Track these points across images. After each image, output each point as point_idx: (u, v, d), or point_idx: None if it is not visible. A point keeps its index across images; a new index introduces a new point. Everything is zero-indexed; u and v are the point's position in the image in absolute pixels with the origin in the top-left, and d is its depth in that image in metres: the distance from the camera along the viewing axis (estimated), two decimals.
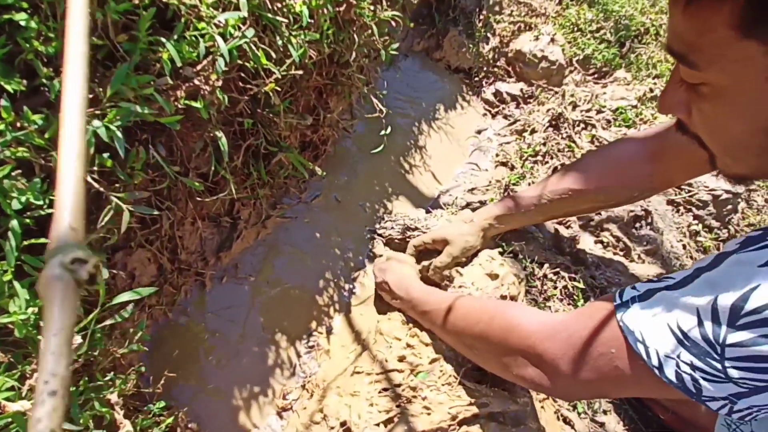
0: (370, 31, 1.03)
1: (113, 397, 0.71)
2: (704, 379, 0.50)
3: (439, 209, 1.25)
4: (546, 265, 1.07)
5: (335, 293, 1.14)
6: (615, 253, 1.13)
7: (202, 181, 0.91)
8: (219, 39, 0.74)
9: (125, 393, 0.75)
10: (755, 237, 0.49)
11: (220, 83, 0.78)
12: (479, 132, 1.53)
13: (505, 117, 1.55)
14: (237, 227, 1.06)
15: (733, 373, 0.48)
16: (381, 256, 1.16)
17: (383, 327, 0.97)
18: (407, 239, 1.15)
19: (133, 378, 0.78)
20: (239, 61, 0.81)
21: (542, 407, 0.87)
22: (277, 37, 0.84)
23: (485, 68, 1.59)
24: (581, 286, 1.04)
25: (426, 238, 1.08)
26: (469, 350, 0.80)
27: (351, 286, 1.16)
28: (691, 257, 1.20)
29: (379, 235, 1.20)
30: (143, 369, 0.82)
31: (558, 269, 1.06)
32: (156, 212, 0.75)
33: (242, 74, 0.85)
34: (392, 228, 1.18)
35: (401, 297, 0.98)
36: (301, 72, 0.86)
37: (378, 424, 0.78)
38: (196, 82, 0.76)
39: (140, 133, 0.76)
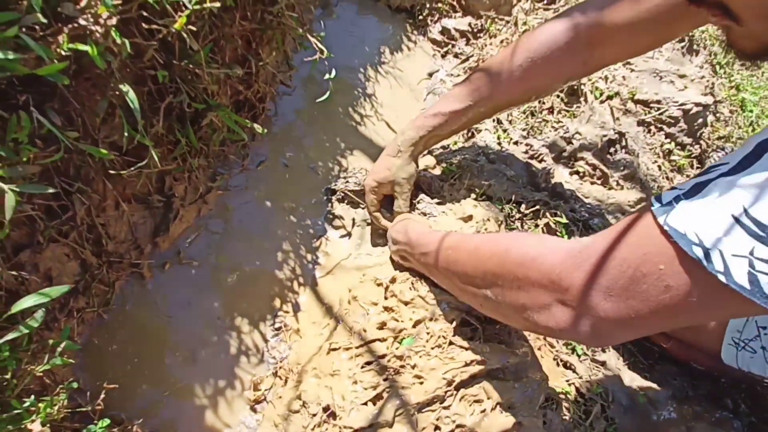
0: None
1: (35, 426, 0.57)
2: None
3: None
4: (523, 205, 0.98)
5: (297, 266, 1.02)
6: (593, 183, 1.06)
7: (117, 153, 0.75)
8: None
9: (53, 418, 0.61)
10: None
11: (114, 22, 0.62)
12: (431, 74, 1.41)
13: (456, 55, 1.43)
14: (172, 206, 0.91)
15: None
16: (340, 216, 1.05)
17: (358, 293, 0.87)
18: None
19: (63, 397, 0.64)
20: None
21: (541, 355, 0.79)
22: None
23: (428, 5, 1.46)
24: (563, 221, 0.96)
25: (372, 187, 0.98)
26: (480, 294, 0.66)
27: (314, 257, 1.04)
28: (667, 178, 1.14)
29: (334, 192, 1.08)
30: (76, 384, 0.68)
31: (537, 206, 0.97)
32: (51, 190, 0.59)
33: (145, 13, 0.69)
34: (347, 182, 1.06)
35: (399, 240, 0.87)
36: (217, 4, 0.71)
37: (366, 403, 0.68)
38: (82, 21, 0.60)
39: (19, 96, 0.60)
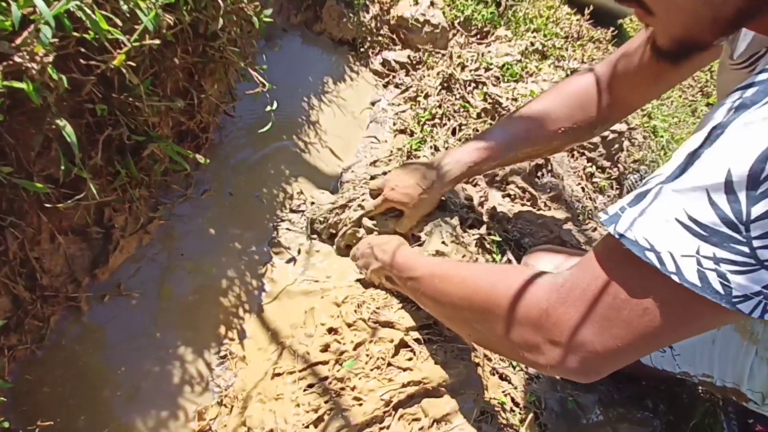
0: None
1: None
2: (732, 272, 0.42)
3: (347, 183, 1.18)
4: (461, 223, 1.04)
5: (243, 293, 1.03)
6: (523, 204, 1.14)
7: (52, 186, 0.75)
8: (39, 2, 0.59)
9: None
10: (751, 97, 0.42)
11: (51, 59, 0.63)
12: (373, 103, 1.47)
13: (397, 86, 1.50)
14: (112, 237, 0.90)
15: (765, 254, 0.40)
16: (285, 242, 1.07)
17: (316, 307, 0.89)
18: (338, 220, 1.08)
19: None
20: (76, 33, 0.67)
21: (481, 369, 0.84)
22: (121, 1, 0.70)
23: (369, 38, 1.53)
24: (497, 239, 1.03)
25: (390, 198, 0.97)
26: (468, 325, 0.66)
27: (259, 283, 1.05)
28: (590, 198, 1.25)
29: (314, 221, 1.11)
30: (7, 424, 0.66)
31: (473, 224, 1.03)
32: None
33: (83, 49, 0.70)
34: (318, 209, 1.11)
35: (384, 260, 0.85)
36: (157, 42, 0.73)
37: (307, 426, 0.70)
38: (17, 59, 0.60)
39: None
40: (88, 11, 0.64)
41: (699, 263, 0.43)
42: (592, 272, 0.51)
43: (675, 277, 0.44)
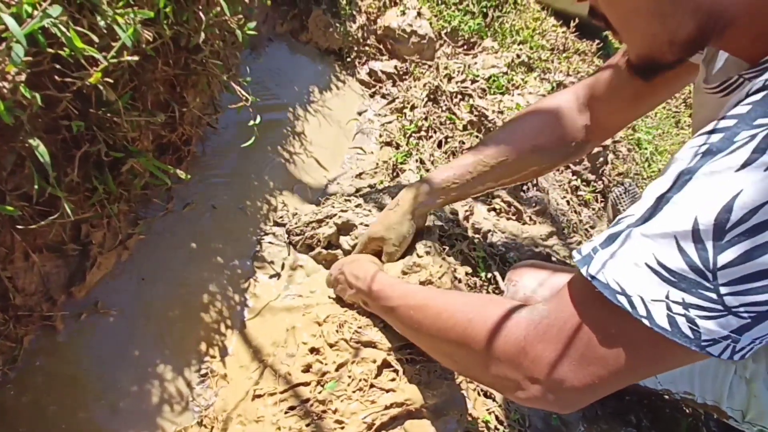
0: (219, 9, 0.90)
1: None
2: (701, 317, 0.43)
3: (330, 199, 1.17)
4: (444, 239, 1.04)
5: (225, 309, 1.01)
6: (508, 218, 1.14)
7: (26, 204, 0.73)
8: (9, 20, 0.57)
9: None
10: (717, 144, 0.43)
11: (23, 78, 0.61)
12: (360, 114, 1.46)
13: (384, 96, 1.50)
14: (89, 254, 0.88)
15: (731, 301, 0.42)
16: (269, 257, 1.05)
17: (297, 326, 0.88)
18: (314, 234, 1.06)
19: None
20: (50, 50, 0.65)
21: (465, 389, 0.83)
22: (98, 17, 0.69)
23: (356, 48, 1.53)
24: (482, 255, 1.03)
25: (362, 243, 0.98)
26: (447, 357, 0.66)
27: (242, 298, 1.04)
28: (575, 211, 1.25)
29: (290, 232, 1.09)
30: None
31: (457, 240, 1.03)
32: None
33: (59, 66, 0.68)
34: (298, 221, 1.09)
35: (359, 288, 0.84)
36: (136, 58, 0.72)
37: None
38: None
39: None
40: (63, 28, 0.62)
41: (669, 308, 0.44)
42: (568, 311, 0.52)
43: (646, 321, 0.45)
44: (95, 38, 0.68)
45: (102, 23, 0.69)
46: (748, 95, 0.44)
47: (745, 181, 0.40)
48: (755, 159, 0.39)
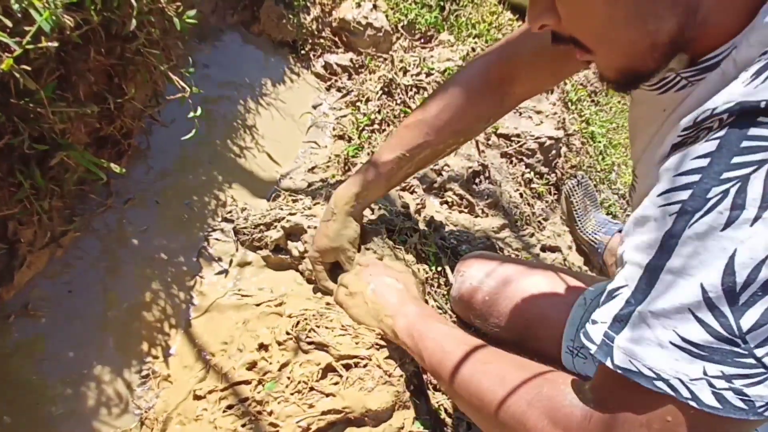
0: None
1: None
2: (746, 385, 0.41)
3: (279, 199, 1.14)
4: (395, 232, 1.03)
5: (168, 307, 0.98)
6: (461, 211, 1.14)
7: None
8: None
9: None
10: (692, 203, 0.42)
11: None
12: (315, 107, 1.44)
13: (339, 89, 1.48)
14: (17, 253, 0.84)
15: None
16: (219, 258, 1.02)
17: (251, 320, 0.85)
18: (261, 237, 1.04)
19: None
20: None
21: (404, 393, 0.81)
22: (12, 0, 0.65)
23: (311, 40, 1.50)
24: (433, 250, 1.02)
25: (317, 258, 0.96)
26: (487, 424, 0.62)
27: (187, 296, 1.01)
28: (528, 204, 1.26)
29: (238, 232, 1.06)
30: None
31: (407, 234, 1.02)
32: None
33: None
34: (246, 220, 1.06)
35: (388, 324, 0.78)
36: (56, 44, 0.68)
37: None
38: None
39: None
40: None
41: (711, 384, 0.42)
42: (608, 409, 0.49)
43: (693, 403, 0.43)
44: (9, 23, 0.64)
45: (16, 6, 0.65)
46: (699, 128, 0.44)
47: (734, 241, 0.39)
48: (737, 216, 0.39)
